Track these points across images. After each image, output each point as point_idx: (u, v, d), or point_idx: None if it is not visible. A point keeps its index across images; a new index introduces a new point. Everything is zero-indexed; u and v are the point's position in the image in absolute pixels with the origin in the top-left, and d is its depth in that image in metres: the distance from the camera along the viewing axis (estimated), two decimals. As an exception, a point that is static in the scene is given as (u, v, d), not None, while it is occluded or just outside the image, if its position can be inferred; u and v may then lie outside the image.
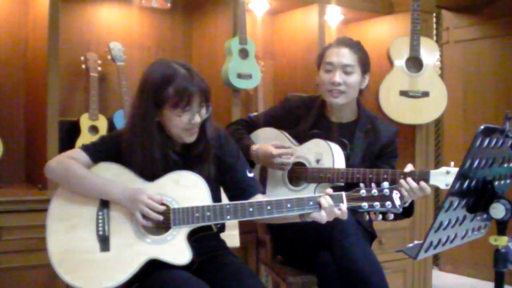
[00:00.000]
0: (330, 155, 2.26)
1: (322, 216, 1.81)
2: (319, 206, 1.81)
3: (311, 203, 1.82)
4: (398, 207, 1.80)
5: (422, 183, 2.05)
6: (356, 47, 2.37)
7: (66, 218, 1.86)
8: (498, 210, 1.55)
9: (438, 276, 4.29)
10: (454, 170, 2.07)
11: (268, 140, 2.38)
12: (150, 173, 1.88)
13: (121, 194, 1.82)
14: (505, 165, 1.64)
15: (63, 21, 2.73)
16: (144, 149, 1.85)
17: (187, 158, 1.93)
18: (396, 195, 1.81)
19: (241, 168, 2.03)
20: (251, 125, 2.52)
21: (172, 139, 1.90)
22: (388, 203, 1.80)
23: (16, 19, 2.86)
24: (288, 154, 2.29)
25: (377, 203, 1.80)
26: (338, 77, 2.31)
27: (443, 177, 2.09)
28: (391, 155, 2.37)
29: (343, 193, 1.83)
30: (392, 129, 2.42)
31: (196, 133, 1.89)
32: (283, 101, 2.54)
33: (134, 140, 1.86)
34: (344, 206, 1.81)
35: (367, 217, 1.89)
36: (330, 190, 1.84)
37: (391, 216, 1.83)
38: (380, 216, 1.84)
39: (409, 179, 2.06)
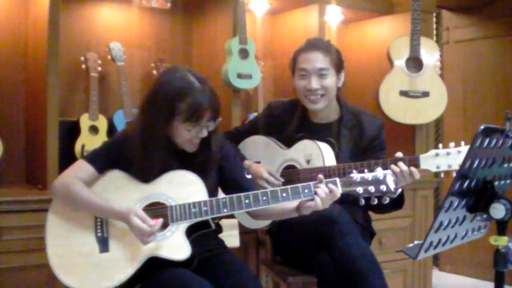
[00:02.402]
0: (319, 154, 2.26)
1: (317, 203, 1.82)
2: (315, 194, 1.83)
3: (306, 191, 1.85)
4: (393, 190, 1.82)
5: (412, 168, 2.06)
6: (327, 48, 2.34)
7: (65, 223, 1.88)
8: (498, 210, 1.55)
9: (438, 276, 4.29)
10: (442, 152, 2.10)
11: (257, 148, 2.40)
12: (150, 177, 1.90)
13: (120, 219, 1.84)
14: (505, 165, 1.64)
15: (63, 21, 2.73)
16: (147, 157, 1.87)
17: (189, 165, 1.94)
18: (390, 178, 1.82)
19: (240, 170, 2.08)
20: (238, 135, 2.52)
21: (175, 146, 1.93)
22: (382, 186, 1.82)
23: (16, 19, 2.86)
24: (273, 184, 2.29)
25: (371, 187, 1.82)
26: (314, 83, 2.29)
27: (433, 160, 2.11)
28: (379, 148, 2.36)
29: (337, 179, 1.85)
30: (377, 122, 2.39)
31: (197, 144, 1.92)
32: (265, 109, 2.56)
33: (139, 146, 1.87)
34: (334, 186, 1.82)
35: (362, 202, 1.86)
36: (321, 176, 1.86)
37: (387, 199, 1.84)
38: (376, 201, 1.84)
39: (400, 163, 2.07)
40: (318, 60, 2.30)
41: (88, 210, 1.88)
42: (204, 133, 1.89)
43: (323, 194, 1.82)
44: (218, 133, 1.97)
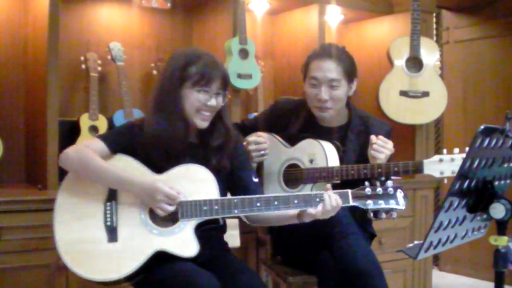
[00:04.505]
0: (323, 154, 2.25)
1: (317, 211, 1.84)
2: (321, 201, 1.84)
3: (317, 199, 1.85)
4: (401, 205, 1.84)
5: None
6: (341, 57, 2.30)
7: (74, 209, 1.86)
8: (498, 210, 1.55)
9: (438, 276, 4.29)
10: (447, 158, 2.09)
11: None
12: (166, 158, 1.89)
13: (141, 189, 1.83)
14: (505, 165, 1.64)
15: (63, 21, 2.73)
16: (169, 125, 1.88)
17: (205, 147, 1.97)
18: (400, 194, 1.85)
19: (249, 171, 2.08)
20: (243, 129, 2.52)
21: (191, 126, 1.94)
22: (392, 201, 1.84)
23: (16, 19, 2.86)
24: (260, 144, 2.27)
25: (381, 201, 1.84)
26: (324, 93, 2.27)
27: (437, 165, 2.11)
28: None
29: (349, 191, 1.86)
30: (385, 128, 2.38)
31: (208, 120, 1.94)
32: (272, 106, 2.56)
33: (158, 116, 1.89)
34: (339, 200, 1.84)
35: (371, 215, 1.87)
36: (328, 185, 1.87)
37: (394, 214, 1.87)
38: (384, 215, 1.86)
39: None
40: (330, 70, 2.27)
41: (104, 179, 1.85)
42: (213, 102, 1.90)
43: (329, 207, 1.83)
44: (228, 114, 2.02)
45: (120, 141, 1.93)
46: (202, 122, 1.93)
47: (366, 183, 1.88)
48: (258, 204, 1.85)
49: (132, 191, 1.85)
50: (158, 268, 1.82)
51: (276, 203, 1.85)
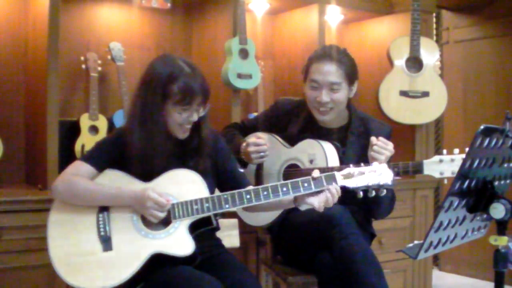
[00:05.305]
0: (323, 154, 2.25)
1: (316, 204, 1.85)
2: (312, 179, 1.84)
3: (305, 184, 1.86)
4: (390, 182, 1.85)
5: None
6: (342, 59, 2.29)
7: (67, 223, 1.87)
8: (498, 210, 1.55)
9: (438, 276, 4.29)
10: (447, 158, 2.09)
11: None
12: (149, 167, 1.90)
13: (132, 199, 1.85)
14: (505, 165, 1.64)
15: (63, 21, 2.73)
16: (151, 139, 1.88)
17: (182, 151, 1.98)
18: (386, 170, 1.86)
19: (234, 163, 2.11)
20: (243, 129, 2.52)
21: (169, 133, 1.94)
22: (379, 178, 1.85)
23: (16, 19, 2.86)
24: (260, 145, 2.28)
25: (368, 180, 1.85)
26: (324, 96, 2.27)
27: (437, 166, 2.11)
28: None
29: (335, 173, 1.87)
30: (385, 129, 2.37)
31: (188, 130, 1.95)
32: (272, 106, 2.55)
33: (140, 129, 1.88)
34: (335, 185, 1.84)
35: (361, 195, 1.88)
36: (317, 171, 1.87)
37: (384, 192, 1.87)
38: (374, 193, 1.87)
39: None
40: (331, 73, 2.26)
41: (96, 201, 1.87)
42: (195, 117, 1.91)
43: (329, 198, 1.84)
44: (207, 121, 2.00)
45: (105, 157, 1.94)
46: (183, 134, 1.95)
47: (351, 164, 1.89)
48: (248, 196, 1.86)
49: (125, 203, 1.87)
50: (158, 274, 1.82)
51: (265, 193, 1.86)
